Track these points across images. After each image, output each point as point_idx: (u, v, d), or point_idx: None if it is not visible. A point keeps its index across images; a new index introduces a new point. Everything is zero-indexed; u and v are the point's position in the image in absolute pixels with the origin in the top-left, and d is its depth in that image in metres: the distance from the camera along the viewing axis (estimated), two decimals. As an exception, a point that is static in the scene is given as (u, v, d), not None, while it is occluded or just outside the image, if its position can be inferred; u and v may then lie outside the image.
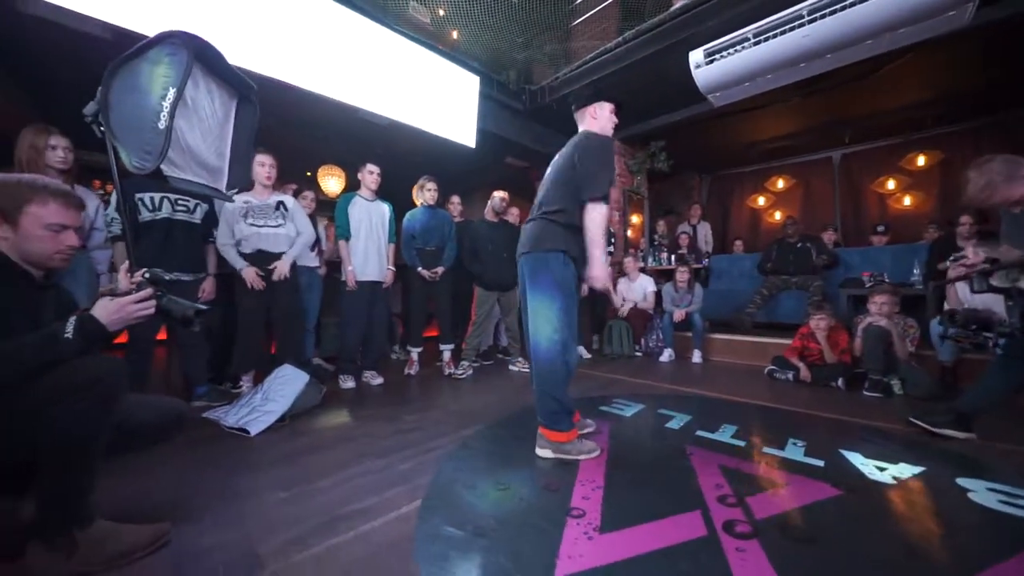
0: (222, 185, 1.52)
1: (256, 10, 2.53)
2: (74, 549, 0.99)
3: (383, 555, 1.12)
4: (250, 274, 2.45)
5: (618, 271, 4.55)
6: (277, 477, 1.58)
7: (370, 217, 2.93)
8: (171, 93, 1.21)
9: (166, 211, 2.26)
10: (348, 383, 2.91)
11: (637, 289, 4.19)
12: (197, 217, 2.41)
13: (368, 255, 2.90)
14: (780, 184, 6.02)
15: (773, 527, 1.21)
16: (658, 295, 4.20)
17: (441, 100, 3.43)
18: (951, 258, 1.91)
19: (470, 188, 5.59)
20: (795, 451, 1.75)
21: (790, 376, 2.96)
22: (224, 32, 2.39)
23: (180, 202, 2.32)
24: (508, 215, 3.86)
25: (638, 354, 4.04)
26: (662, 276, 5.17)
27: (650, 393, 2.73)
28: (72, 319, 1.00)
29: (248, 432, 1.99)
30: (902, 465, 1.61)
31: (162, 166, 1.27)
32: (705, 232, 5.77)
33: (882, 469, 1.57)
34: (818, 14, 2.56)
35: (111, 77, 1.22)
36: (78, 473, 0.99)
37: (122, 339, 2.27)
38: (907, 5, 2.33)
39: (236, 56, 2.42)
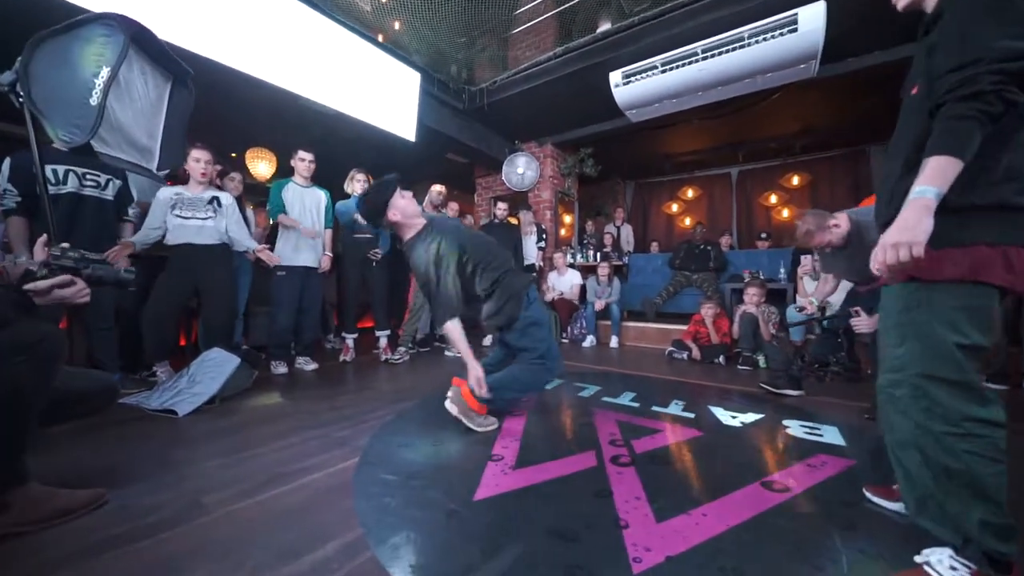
0: (152, 165, 1.54)
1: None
2: (7, 507, 1.03)
3: (324, 496, 1.28)
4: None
5: (548, 265, 4.93)
6: (214, 448, 1.63)
7: (303, 203, 2.95)
8: (104, 72, 1.25)
9: (72, 185, 2.11)
10: (280, 368, 2.91)
11: (565, 282, 4.59)
12: (109, 194, 2.27)
13: (301, 241, 2.92)
14: (690, 193, 6.87)
15: (647, 458, 1.56)
16: (583, 288, 4.64)
17: (382, 93, 3.49)
18: (795, 306, 2.59)
19: (413, 181, 5.64)
20: (676, 408, 2.17)
21: (685, 355, 3.51)
22: (160, 5, 2.29)
23: (89, 176, 2.18)
24: (448, 209, 4.03)
25: (564, 340, 4.45)
26: (589, 271, 5.66)
27: (570, 371, 3.09)
28: None
29: (176, 413, 1.98)
30: (749, 414, 2.09)
31: (93, 141, 1.30)
32: (627, 233, 6.40)
33: (734, 417, 2.04)
34: (709, 54, 3.09)
35: (34, 48, 1.23)
36: (14, 432, 1.03)
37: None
38: (768, 58, 2.92)
39: (167, 31, 2.34)
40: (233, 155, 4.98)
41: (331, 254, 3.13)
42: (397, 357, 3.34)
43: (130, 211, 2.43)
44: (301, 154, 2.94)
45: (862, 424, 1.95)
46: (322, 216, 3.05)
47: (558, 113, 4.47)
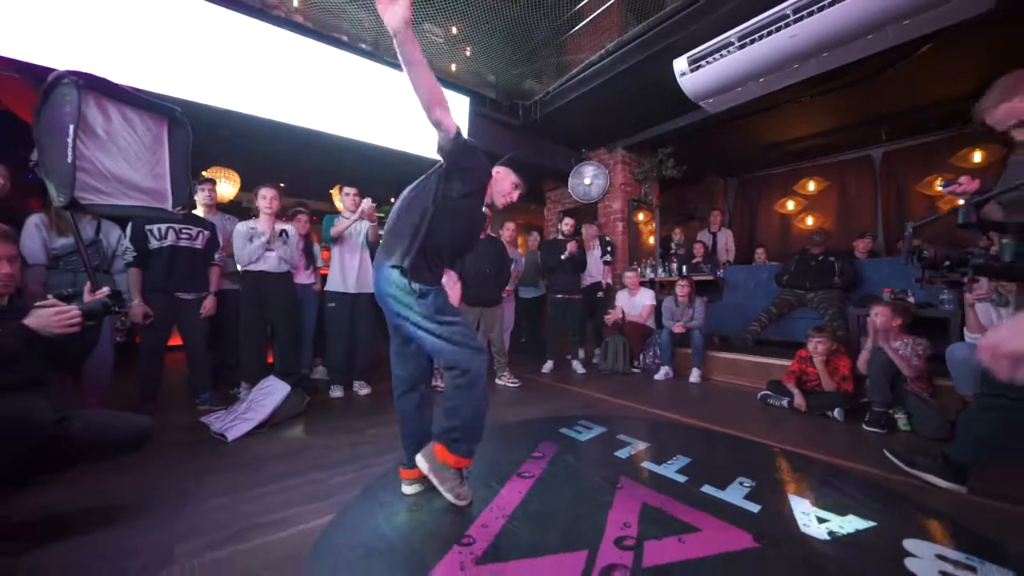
0: (167, 204, 1.72)
1: (273, 61, 2.92)
2: None
3: (276, 564, 1.22)
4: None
5: (619, 284, 4.42)
6: (227, 482, 1.74)
7: (349, 234, 3.13)
8: (71, 130, 1.39)
9: (171, 239, 2.57)
10: (336, 392, 3.12)
11: (637, 304, 4.05)
12: (199, 243, 2.71)
13: (349, 269, 3.10)
14: (811, 186, 5.52)
15: (654, 576, 1.15)
16: (655, 309, 4.04)
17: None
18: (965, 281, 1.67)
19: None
20: (736, 492, 1.63)
21: (784, 403, 2.73)
22: (241, 82, 2.74)
23: (184, 231, 2.63)
24: (504, 230, 3.91)
25: (635, 371, 3.91)
26: (672, 288, 4.95)
27: (623, 415, 2.64)
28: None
29: (226, 438, 2.21)
30: (850, 517, 1.45)
31: (82, 195, 1.45)
32: (726, 239, 5.44)
33: (822, 521, 1.43)
34: (804, 12, 2.37)
35: (36, 122, 1.43)
36: None
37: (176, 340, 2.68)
38: (897, -1, 2.10)
39: (254, 106, 2.81)
40: (331, 192, 5.69)
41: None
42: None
43: (216, 256, 2.86)
44: (346, 189, 3.17)
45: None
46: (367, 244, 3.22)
47: (622, 114, 4.01)
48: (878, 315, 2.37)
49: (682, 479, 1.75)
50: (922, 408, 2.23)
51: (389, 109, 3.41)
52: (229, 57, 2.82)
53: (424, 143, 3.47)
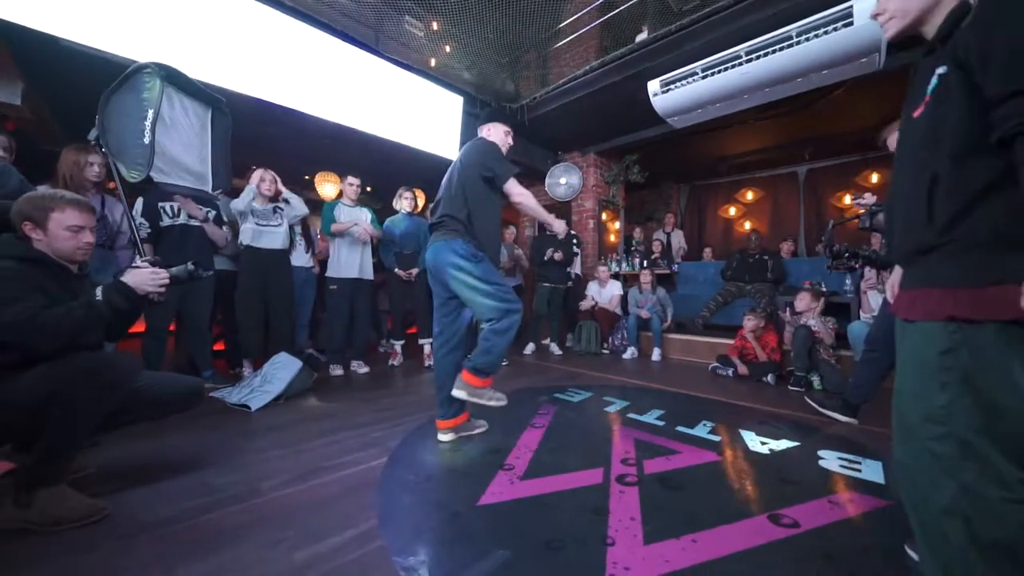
0: (208, 187, 1.88)
1: (270, 47, 2.91)
2: (28, 505, 1.18)
3: (352, 490, 1.49)
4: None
5: (591, 276, 4.91)
6: (274, 440, 1.94)
7: (351, 219, 3.30)
8: (150, 114, 1.55)
9: (182, 218, 2.63)
10: (337, 371, 3.28)
11: (606, 294, 4.56)
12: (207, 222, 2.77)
13: (351, 255, 3.28)
14: (750, 195, 6.41)
15: (654, 479, 1.57)
16: (623, 299, 4.57)
17: (428, 119, 3.80)
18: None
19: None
20: (702, 430, 2.12)
21: (730, 372, 3.33)
22: (243, 67, 2.77)
23: (194, 209, 2.69)
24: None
25: (605, 352, 4.42)
26: (635, 281, 5.54)
27: (602, 384, 3.10)
28: (99, 289, 1.36)
29: (250, 408, 2.36)
30: (783, 441, 1.98)
31: (152, 174, 1.61)
32: (679, 239, 6.14)
33: (764, 443, 1.94)
34: (754, 56, 2.93)
35: (104, 105, 1.57)
36: (62, 446, 1.23)
37: (140, 327, 2.65)
38: (821, 55, 2.71)
39: (250, 87, 2.82)
40: (307, 177, 5.65)
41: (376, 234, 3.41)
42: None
43: (223, 229, 2.93)
44: (349, 179, 3.33)
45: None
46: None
47: (599, 123, 4.47)
48: (801, 300, 3.01)
49: (661, 423, 2.21)
50: (831, 372, 2.89)
51: (373, 95, 3.45)
52: (210, 31, 2.64)
53: (405, 132, 3.66)
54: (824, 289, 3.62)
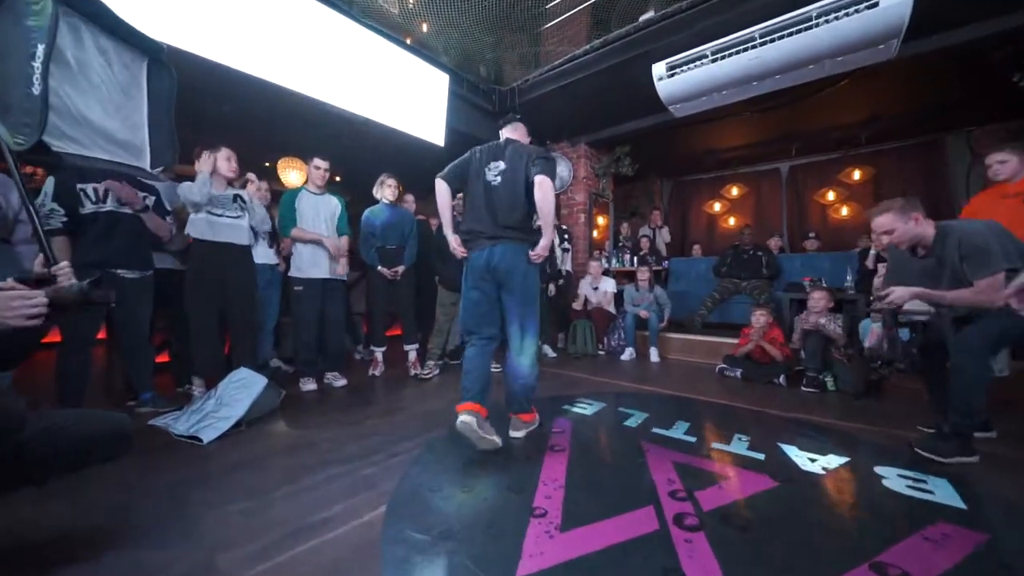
0: (144, 163, 1.42)
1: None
2: None
3: (347, 561, 1.12)
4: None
5: (581, 272, 4.67)
6: (236, 486, 1.53)
7: (318, 212, 2.86)
8: (40, 50, 1.09)
9: (110, 204, 2.10)
10: (309, 385, 2.84)
11: (600, 291, 4.33)
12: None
13: (317, 252, 2.83)
14: (734, 191, 6.40)
15: (717, 519, 1.31)
16: (617, 296, 4.37)
17: (410, 97, 3.38)
18: (872, 299, 2.14)
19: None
20: (740, 446, 1.90)
21: (738, 373, 3.18)
22: (187, 18, 2.24)
23: (126, 194, 2.16)
24: (405, 203, 3.86)
25: (601, 353, 4.19)
26: (624, 277, 5.36)
27: (611, 391, 2.85)
28: None
29: (201, 440, 1.91)
30: (830, 456, 1.78)
31: (50, 140, 1.14)
32: (664, 235, 6.03)
33: (813, 460, 1.74)
34: (768, 38, 2.75)
35: None
36: None
37: (55, 337, 2.12)
38: (840, 39, 2.55)
39: (196, 45, 2.30)
40: (267, 164, 5.03)
41: (346, 256, 3.02)
42: (427, 372, 3.21)
43: (167, 220, 2.40)
44: (317, 162, 2.85)
45: (976, 475, 1.61)
46: (335, 224, 2.96)
47: (594, 110, 4.21)
48: (818, 299, 2.89)
49: (691, 439, 1.97)
50: (844, 371, 2.78)
51: (346, 66, 3.00)
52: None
53: (384, 110, 3.25)
54: (825, 286, 3.55)
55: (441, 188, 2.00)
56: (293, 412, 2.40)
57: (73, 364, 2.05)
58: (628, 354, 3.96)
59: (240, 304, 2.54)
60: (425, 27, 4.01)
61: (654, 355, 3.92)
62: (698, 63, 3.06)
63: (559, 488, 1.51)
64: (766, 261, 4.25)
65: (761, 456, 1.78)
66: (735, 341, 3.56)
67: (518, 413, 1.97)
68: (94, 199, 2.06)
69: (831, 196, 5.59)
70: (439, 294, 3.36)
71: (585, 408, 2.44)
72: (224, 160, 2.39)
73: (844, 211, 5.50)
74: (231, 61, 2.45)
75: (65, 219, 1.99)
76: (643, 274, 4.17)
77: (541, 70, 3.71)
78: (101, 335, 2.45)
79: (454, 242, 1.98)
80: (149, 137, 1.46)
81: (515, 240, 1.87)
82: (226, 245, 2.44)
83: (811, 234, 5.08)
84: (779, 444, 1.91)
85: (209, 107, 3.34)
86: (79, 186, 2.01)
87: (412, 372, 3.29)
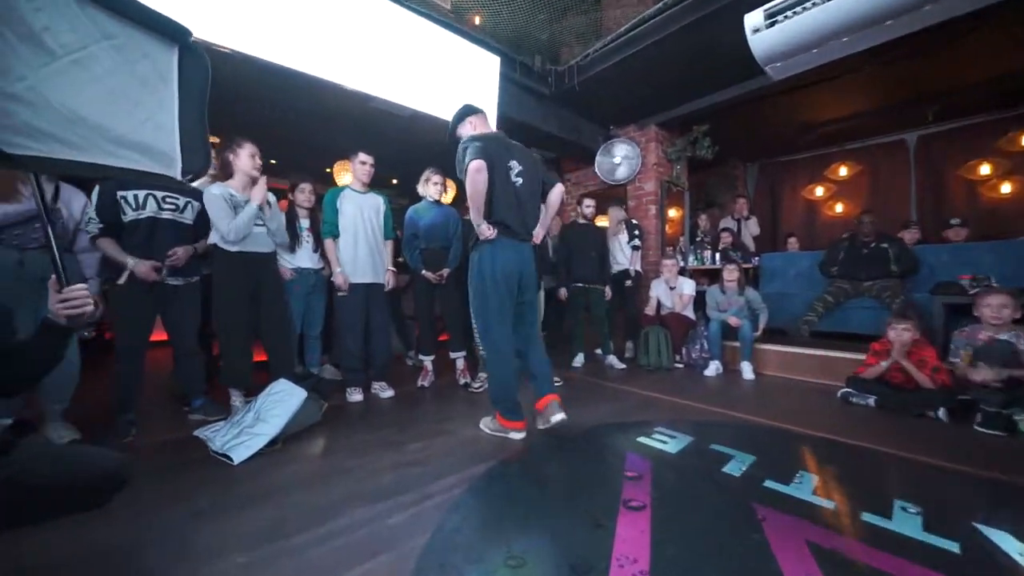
0: (174, 171, 1.20)
1: None
2: None
3: None
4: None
5: (653, 272, 4.10)
6: (249, 526, 1.31)
7: (361, 212, 2.65)
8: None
9: (151, 209, 2.06)
10: (355, 395, 2.67)
11: (676, 294, 3.73)
12: (187, 217, 2.20)
13: (360, 255, 2.62)
14: (842, 171, 5.32)
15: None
16: (698, 298, 3.73)
17: (458, 84, 3.10)
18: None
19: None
20: (909, 522, 1.30)
21: (871, 401, 2.45)
22: (228, 14, 2.17)
23: (168, 200, 2.12)
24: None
25: (678, 365, 3.60)
26: (704, 277, 4.67)
27: (698, 419, 2.31)
28: None
29: (231, 459, 1.76)
30: (1077, 554, 1.14)
31: (14, 140, 0.88)
32: (751, 227, 5.19)
33: (1045, 560, 1.12)
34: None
35: None
36: None
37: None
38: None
39: (242, 43, 2.23)
40: (328, 170, 5.13)
41: (394, 268, 2.82)
42: (478, 385, 2.91)
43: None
44: (362, 157, 2.65)
45: None
46: (381, 225, 2.75)
47: (664, 84, 3.64)
48: (992, 302, 2.10)
49: (829, 504, 1.41)
50: (1046, 407, 1.97)
51: (390, 57, 2.76)
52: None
53: (432, 100, 3.00)
54: (995, 285, 2.66)
55: (485, 173, 1.70)
56: (334, 427, 2.22)
57: (122, 371, 2.05)
58: (713, 368, 3.33)
59: (272, 314, 2.40)
60: (477, 20, 3.76)
61: (747, 371, 3.25)
62: (808, 4, 2.41)
63: (641, 574, 1.08)
64: (895, 255, 3.35)
65: (953, 547, 1.19)
66: (857, 357, 2.80)
67: (548, 394, 2.00)
68: (134, 206, 2.02)
69: (986, 170, 4.36)
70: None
71: (666, 442, 1.95)
72: (248, 157, 2.23)
73: (1006, 188, 4.26)
74: (288, 61, 2.37)
75: (101, 226, 1.97)
76: (731, 273, 3.50)
77: (603, 41, 3.24)
78: (163, 336, 2.45)
79: (488, 231, 1.88)
80: (181, 141, 1.23)
81: (530, 243, 2.03)
82: (252, 254, 2.28)
83: (954, 221, 3.99)
84: (976, 525, 1.29)
85: (265, 113, 3.37)
86: (119, 194, 1.98)
87: (461, 381, 3.01)
